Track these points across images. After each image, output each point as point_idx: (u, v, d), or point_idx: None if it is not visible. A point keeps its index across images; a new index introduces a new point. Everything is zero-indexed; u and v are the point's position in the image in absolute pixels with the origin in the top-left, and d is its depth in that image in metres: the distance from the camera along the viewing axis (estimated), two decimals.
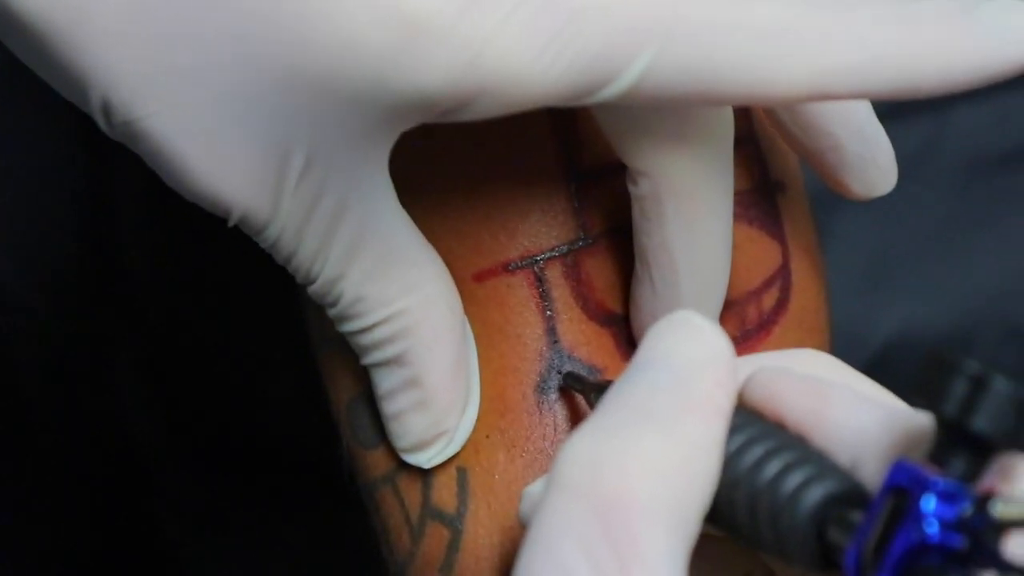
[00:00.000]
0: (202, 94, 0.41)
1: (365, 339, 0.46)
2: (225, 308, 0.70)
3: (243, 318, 0.70)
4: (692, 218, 0.45)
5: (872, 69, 0.41)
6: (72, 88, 0.42)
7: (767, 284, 0.51)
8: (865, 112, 0.48)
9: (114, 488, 0.73)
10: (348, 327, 0.46)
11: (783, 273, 0.51)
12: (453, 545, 0.48)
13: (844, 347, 0.67)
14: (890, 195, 0.51)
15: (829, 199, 0.52)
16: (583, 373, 0.48)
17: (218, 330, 0.70)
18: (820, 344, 0.52)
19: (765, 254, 0.51)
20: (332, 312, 0.46)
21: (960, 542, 0.36)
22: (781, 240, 0.51)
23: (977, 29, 0.41)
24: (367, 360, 0.46)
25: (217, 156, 0.42)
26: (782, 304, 0.51)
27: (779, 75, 0.40)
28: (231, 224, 0.43)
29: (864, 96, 0.42)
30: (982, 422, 0.35)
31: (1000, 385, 0.35)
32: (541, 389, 0.48)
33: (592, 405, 0.46)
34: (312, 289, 0.45)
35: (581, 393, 0.48)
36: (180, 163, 0.42)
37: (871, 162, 0.48)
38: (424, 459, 0.48)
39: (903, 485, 0.36)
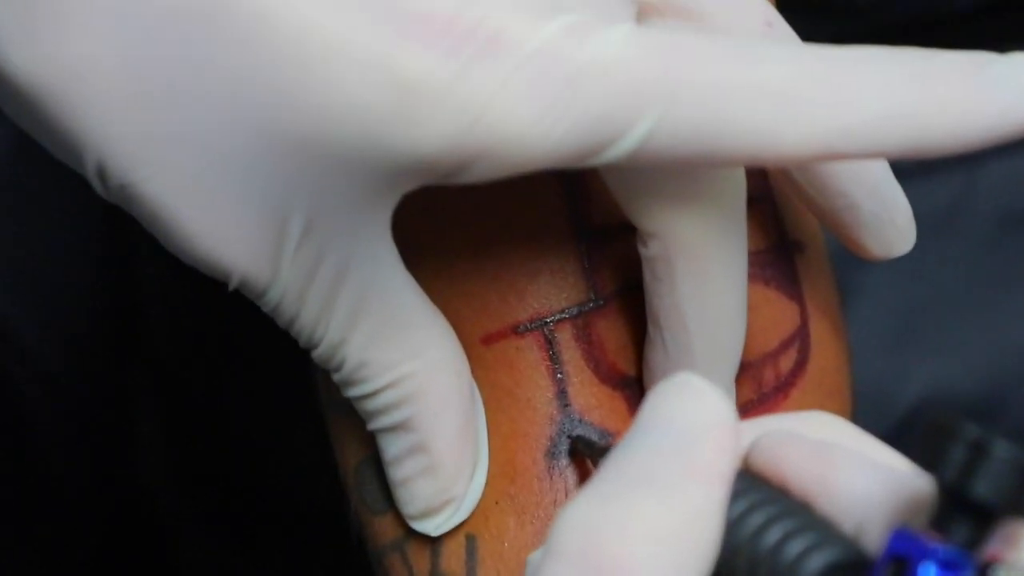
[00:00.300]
0: (198, 158, 0.41)
1: (370, 404, 0.45)
2: (245, 366, 0.70)
3: (262, 377, 0.69)
4: (704, 279, 0.44)
5: (882, 128, 0.39)
6: (67, 151, 0.41)
7: (784, 346, 0.49)
8: (881, 171, 0.47)
9: (133, 547, 0.72)
10: (353, 392, 0.45)
11: (801, 334, 0.50)
12: None
13: (871, 408, 0.66)
14: (919, 251, 0.49)
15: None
16: (594, 438, 0.47)
17: (239, 389, 0.70)
18: (841, 406, 0.51)
19: (782, 315, 0.49)
20: (336, 377, 0.45)
21: None
22: (799, 300, 0.50)
23: (991, 86, 0.39)
24: (373, 426, 0.46)
25: (214, 220, 0.41)
26: (800, 366, 0.50)
27: (787, 136, 0.40)
28: (231, 288, 0.43)
29: (874, 156, 0.40)
30: (982, 488, 0.34)
31: (1000, 451, 0.34)
32: (552, 454, 0.47)
33: None
34: (315, 354, 0.44)
35: (590, 458, 0.47)
36: (177, 227, 0.41)
37: (888, 222, 0.47)
38: (432, 526, 0.47)
39: (902, 553, 0.35)
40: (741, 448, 0.39)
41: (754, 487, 0.38)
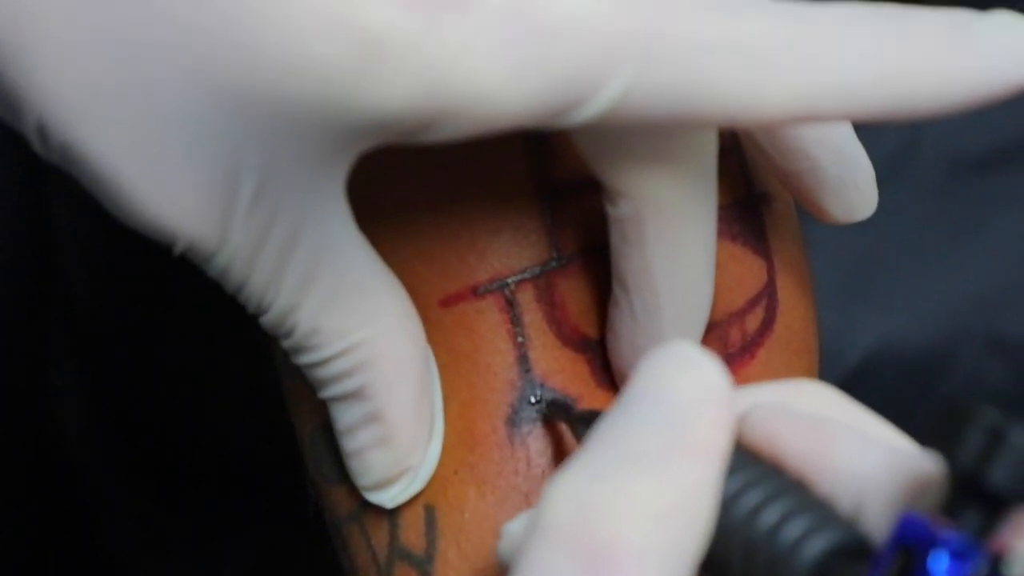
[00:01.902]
0: (145, 113, 0.38)
1: (321, 372, 0.43)
2: (173, 319, 0.67)
3: (191, 332, 0.67)
4: (675, 241, 0.42)
5: (863, 90, 0.38)
6: (5, 107, 0.39)
7: (751, 304, 0.48)
8: (845, 133, 0.46)
9: (53, 506, 0.70)
10: (303, 359, 0.43)
11: (768, 292, 0.48)
12: None
13: (821, 361, 0.65)
14: None
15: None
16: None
17: (163, 344, 0.67)
18: (808, 366, 0.49)
19: (749, 272, 0.48)
20: (286, 344, 0.42)
21: None
22: (766, 256, 0.48)
23: (975, 46, 0.38)
24: (324, 394, 0.43)
25: (161, 181, 0.39)
26: (767, 325, 0.48)
27: (765, 96, 0.38)
28: (176, 253, 0.40)
29: (855, 118, 0.39)
30: (998, 476, 0.33)
31: (1018, 438, 0.33)
32: (512, 421, 0.45)
33: (578, 437, 0.43)
34: (264, 320, 0.42)
35: (567, 423, 0.45)
36: (120, 188, 0.39)
37: (851, 185, 0.46)
38: (387, 498, 0.45)
39: (911, 540, 0.34)
40: (735, 420, 0.37)
41: (749, 463, 0.37)
